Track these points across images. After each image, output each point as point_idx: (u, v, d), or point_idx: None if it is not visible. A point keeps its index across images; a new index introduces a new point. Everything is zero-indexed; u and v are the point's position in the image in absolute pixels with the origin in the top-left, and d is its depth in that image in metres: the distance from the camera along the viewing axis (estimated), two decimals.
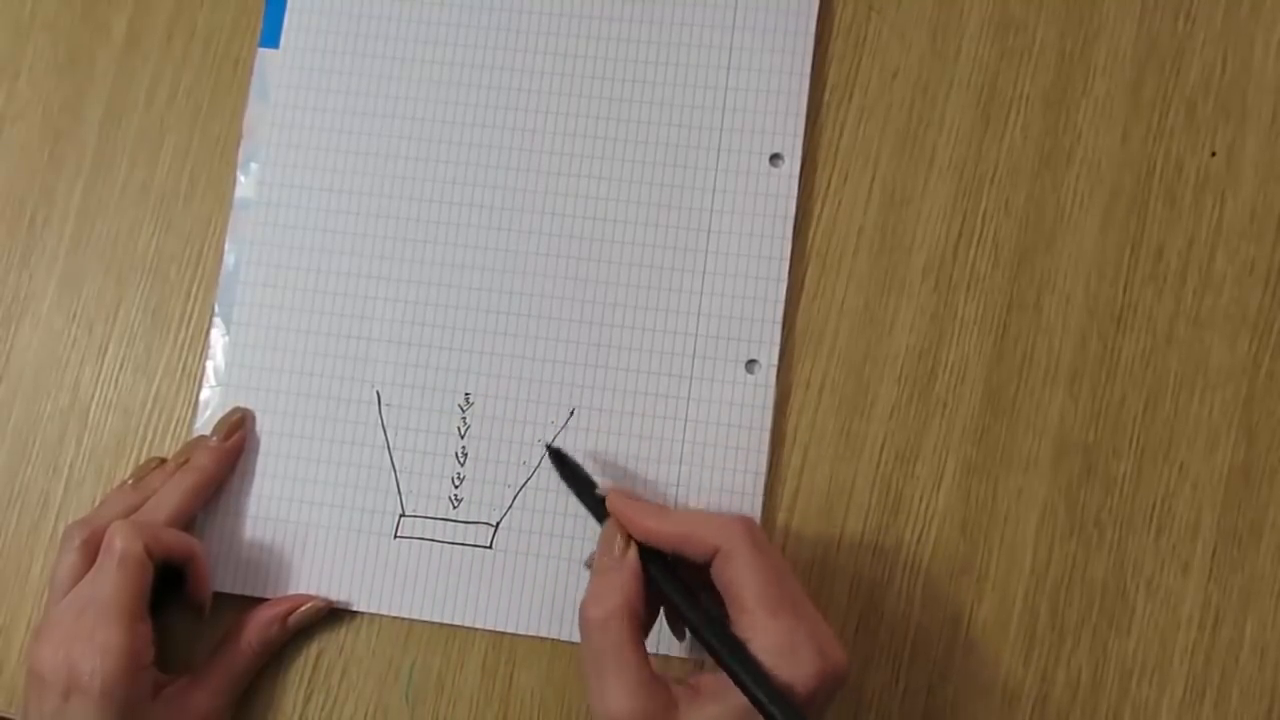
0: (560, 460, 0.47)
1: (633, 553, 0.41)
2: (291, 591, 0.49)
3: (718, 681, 0.39)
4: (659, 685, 0.39)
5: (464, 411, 0.50)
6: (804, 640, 0.38)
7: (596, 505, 0.45)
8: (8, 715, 0.50)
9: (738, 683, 0.38)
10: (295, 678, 0.49)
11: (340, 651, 0.49)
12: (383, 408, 0.50)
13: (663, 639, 0.47)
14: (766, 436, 0.48)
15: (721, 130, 0.50)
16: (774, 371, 0.49)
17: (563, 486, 0.48)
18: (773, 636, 0.38)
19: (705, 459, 0.48)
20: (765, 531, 0.48)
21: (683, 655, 0.47)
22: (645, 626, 0.42)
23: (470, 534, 0.49)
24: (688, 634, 0.46)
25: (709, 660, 0.41)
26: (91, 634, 0.42)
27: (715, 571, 0.40)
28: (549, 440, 0.49)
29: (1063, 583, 0.47)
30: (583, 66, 0.51)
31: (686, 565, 0.42)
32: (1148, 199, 0.49)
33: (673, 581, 0.41)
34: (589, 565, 0.46)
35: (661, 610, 0.45)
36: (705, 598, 0.41)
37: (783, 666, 0.38)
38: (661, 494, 0.48)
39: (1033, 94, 0.50)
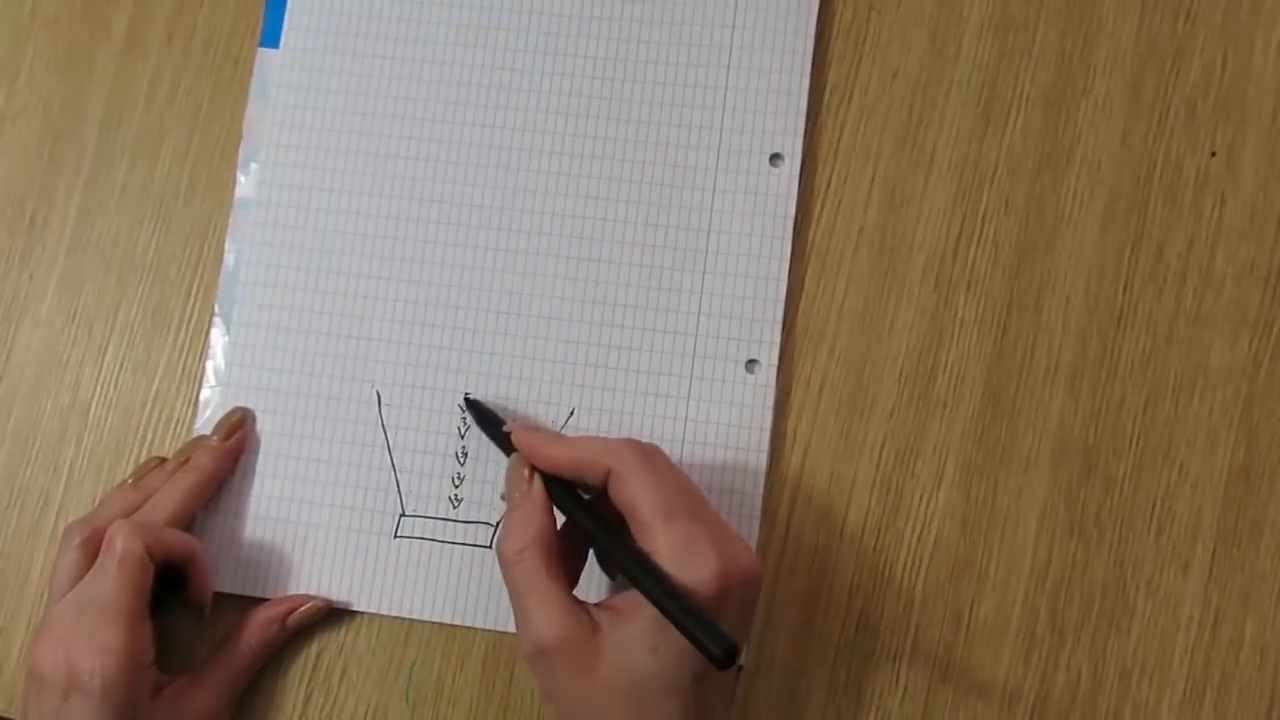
0: (474, 408, 0.48)
1: (537, 483, 0.42)
2: (291, 591, 0.49)
3: (632, 598, 0.39)
4: (579, 610, 0.39)
5: (464, 411, 0.50)
6: (702, 542, 0.39)
7: (505, 442, 0.45)
8: (8, 715, 0.50)
9: (638, 586, 0.38)
10: (295, 678, 0.49)
11: (340, 651, 0.49)
12: (383, 408, 0.50)
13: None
14: (766, 436, 0.48)
15: (721, 130, 0.50)
16: (774, 371, 0.49)
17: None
18: (669, 543, 0.39)
19: (705, 459, 0.48)
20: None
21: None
22: (569, 559, 0.43)
23: (470, 534, 0.49)
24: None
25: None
26: (91, 634, 0.42)
27: (612, 493, 0.41)
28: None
29: (1063, 583, 0.47)
30: (583, 66, 0.51)
31: (604, 503, 0.42)
32: (1148, 199, 0.49)
33: (574, 504, 0.42)
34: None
35: (593, 553, 0.46)
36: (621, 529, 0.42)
37: (683, 570, 0.38)
38: None
39: (1033, 94, 0.50)
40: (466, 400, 0.49)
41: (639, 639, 0.38)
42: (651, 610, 0.38)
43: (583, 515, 0.42)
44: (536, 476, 0.43)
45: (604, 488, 0.41)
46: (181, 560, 0.46)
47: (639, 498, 0.40)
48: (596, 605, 0.40)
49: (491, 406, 0.49)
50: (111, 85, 0.53)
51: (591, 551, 0.46)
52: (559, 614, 0.39)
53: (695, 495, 0.41)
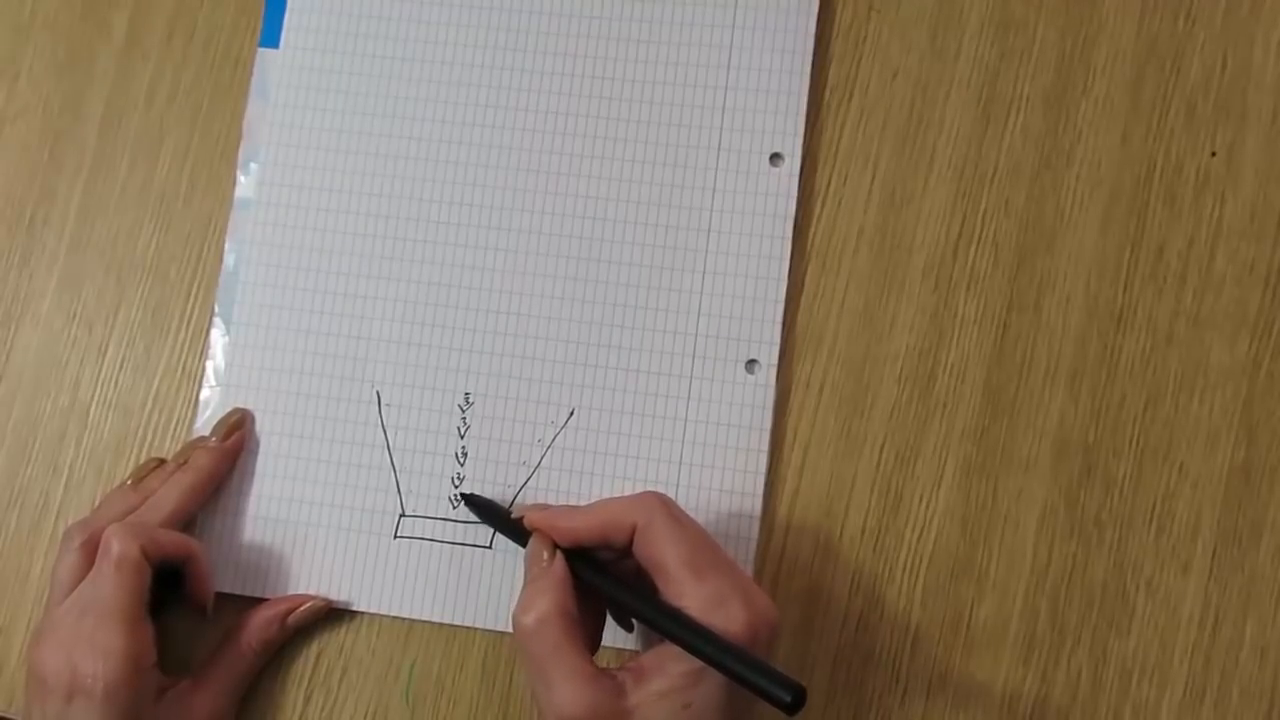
0: (473, 503, 0.48)
1: (559, 557, 0.42)
2: (292, 591, 0.49)
3: (657, 656, 0.39)
4: (603, 677, 0.39)
5: (464, 411, 0.50)
6: (730, 594, 0.39)
7: (517, 530, 0.45)
8: (8, 715, 0.50)
9: (676, 639, 0.38)
10: (295, 678, 0.49)
11: (340, 651, 0.49)
12: (383, 408, 0.50)
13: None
14: (766, 436, 0.48)
15: (721, 130, 0.50)
16: (774, 371, 0.49)
17: (563, 486, 0.48)
18: (700, 596, 0.39)
19: (705, 459, 0.48)
20: (757, 525, 0.48)
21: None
22: (586, 629, 0.42)
23: (470, 534, 0.49)
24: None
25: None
26: (93, 637, 0.42)
27: (637, 549, 0.41)
28: (546, 441, 0.49)
29: (1063, 583, 0.47)
30: (583, 66, 0.51)
31: (619, 564, 0.42)
32: (1148, 199, 0.49)
33: (600, 574, 0.42)
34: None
35: (608, 613, 0.45)
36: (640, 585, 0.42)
37: (714, 621, 0.38)
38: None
39: (1033, 94, 0.50)
40: (463, 496, 0.49)
41: (670, 696, 0.38)
42: (680, 667, 0.38)
43: (611, 584, 0.41)
44: (558, 553, 0.42)
45: (628, 547, 0.41)
46: (179, 561, 0.46)
47: (667, 552, 0.40)
48: (619, 669, 0.40)
49: (489, 498, 0.49)
50: (111, 85, 0.53)
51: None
52: (585, 685, 0.38)
53: (714, 544, 0.41)
